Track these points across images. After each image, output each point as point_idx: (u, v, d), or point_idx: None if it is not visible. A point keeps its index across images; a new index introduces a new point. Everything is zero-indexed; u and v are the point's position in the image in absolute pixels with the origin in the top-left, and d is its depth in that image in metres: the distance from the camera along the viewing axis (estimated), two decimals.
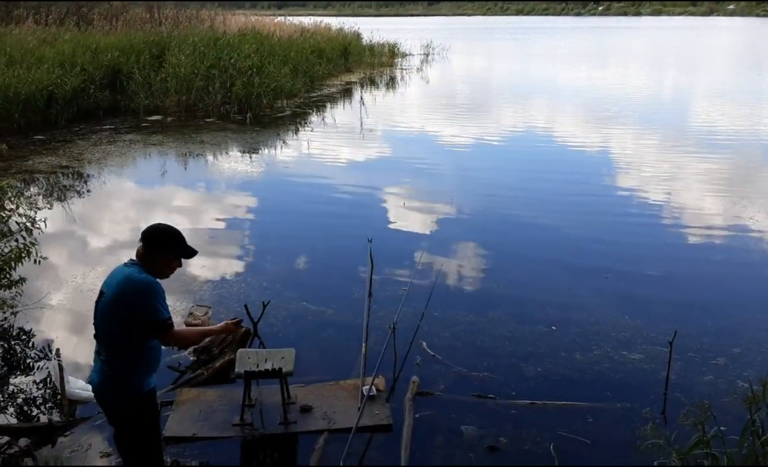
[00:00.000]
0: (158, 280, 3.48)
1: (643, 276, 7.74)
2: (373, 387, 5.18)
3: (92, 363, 3.62)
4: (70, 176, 12.10)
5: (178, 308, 6.54)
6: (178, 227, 3.62)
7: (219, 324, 4.06)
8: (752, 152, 14.27)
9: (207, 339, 5.64)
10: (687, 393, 5.25)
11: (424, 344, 6.05)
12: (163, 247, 3.50)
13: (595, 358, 5.84)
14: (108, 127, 16.31)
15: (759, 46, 47.25)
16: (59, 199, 10.74)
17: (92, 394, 3.69)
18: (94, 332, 3.52)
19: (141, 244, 3.48)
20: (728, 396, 5.04)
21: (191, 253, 3.61)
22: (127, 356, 3.42)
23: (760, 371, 5.25)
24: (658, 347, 5.86)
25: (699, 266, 8.05)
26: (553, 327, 6.41)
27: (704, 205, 10.43)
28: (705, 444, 3.64)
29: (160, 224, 3.58)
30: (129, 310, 3.33)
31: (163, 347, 3.57)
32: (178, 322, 4.83)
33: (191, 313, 6.32)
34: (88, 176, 12.11)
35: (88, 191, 11.27)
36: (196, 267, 7.64)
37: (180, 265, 3.62)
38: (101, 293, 3.44)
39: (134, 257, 3.48)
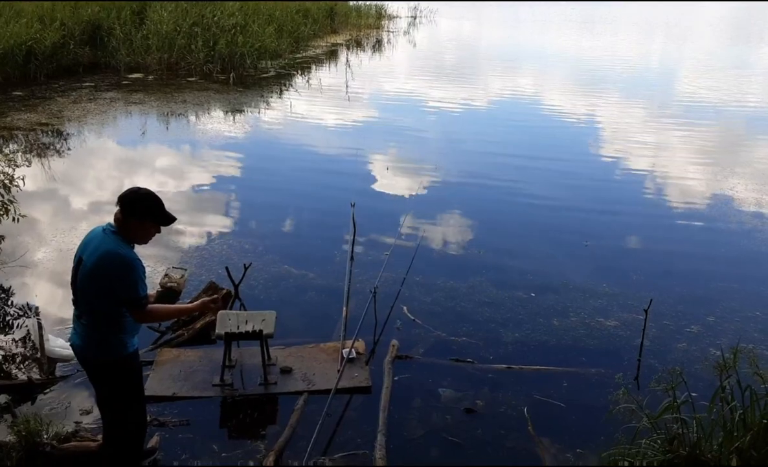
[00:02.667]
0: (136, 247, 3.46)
1: (622, 245, 7.85)
2: (353, 349, 5.23)
3: (71, 323, 3.61)
4: (49, 133, 11.90)
5: (158, 269, 6.51)
6: (158, 189, 3.59)
7: (195, 302, 4.05)
8: (736, 124, 14.36)
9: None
10: (660, 359, 5.37)
11: (405, 308, 6.11)
12: (141, 213, 3.42)
13: (571, 324, 5.93)
14: (88, 84, 16.01)
15: (754, 18, 47.23)
16: (38, 156, 10.58)
17: (72, 352, 3.69)
18: (72, 296, 3.51)
19: (118, 208, 3.41)
20: (700, 363, 5.17)
21: (169, 220, 3.55)
22: (109, 320, 3.44)
23: (733, 339, 5.38)
24: (634, 314, 5.98)
25: (677, 236, 8.16)
26: (532, 294, 6.50)
27: (685, 175, 10.53)
28: (675, 409, 3.74)
29: (138, 189, 3.50)
30: (107, 283, 3.33)
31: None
32: (153, 284, 4.83)
33: (167, 275, 6.26)
34: (68, 134, 11.91)
35: (68, 149, 11.10)
36: (178, 228, 7.59)
37: (159, 231, 3.58)
38: (80, 259, 3.41)
39: (112, 222, 3.44)
